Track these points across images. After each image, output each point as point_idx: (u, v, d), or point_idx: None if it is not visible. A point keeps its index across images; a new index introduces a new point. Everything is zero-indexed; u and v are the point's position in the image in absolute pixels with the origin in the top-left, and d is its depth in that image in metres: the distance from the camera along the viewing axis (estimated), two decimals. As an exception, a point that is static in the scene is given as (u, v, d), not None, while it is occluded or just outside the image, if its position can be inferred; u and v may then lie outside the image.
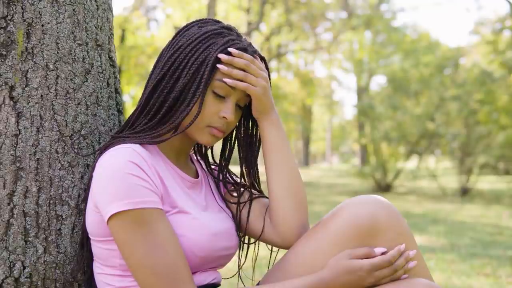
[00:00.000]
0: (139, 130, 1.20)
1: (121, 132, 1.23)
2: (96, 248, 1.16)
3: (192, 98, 1.17)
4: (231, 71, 1.19)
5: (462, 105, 10.14)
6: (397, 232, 1.17)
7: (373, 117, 11.70)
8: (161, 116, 1.19)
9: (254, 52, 1.25)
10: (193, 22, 1.26)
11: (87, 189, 1.20)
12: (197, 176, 1.33)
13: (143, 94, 1.23)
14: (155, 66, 1.24)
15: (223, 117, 1.20)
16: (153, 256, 1.06)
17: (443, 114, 10.71)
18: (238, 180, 1.38)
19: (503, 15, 13.52)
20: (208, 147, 1.40)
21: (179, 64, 1.19)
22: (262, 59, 1.29)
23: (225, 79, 1.18)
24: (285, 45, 20.33)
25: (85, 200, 1.21)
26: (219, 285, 1.26)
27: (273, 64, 21.81)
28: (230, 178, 1.38)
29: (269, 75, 1.29)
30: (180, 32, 1.24)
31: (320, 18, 20.22)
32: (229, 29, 1.25)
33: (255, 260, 1.38)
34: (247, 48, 1.23)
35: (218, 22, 1.26)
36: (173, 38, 1.24)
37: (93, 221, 1.13)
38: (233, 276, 1.45)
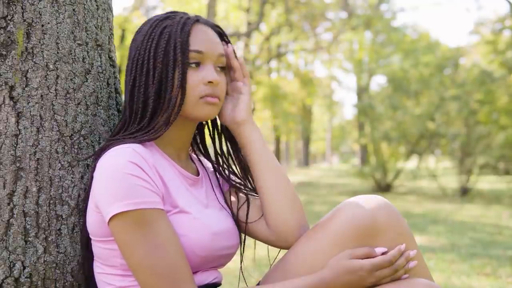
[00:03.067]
0: (134, 131, 1.20)
1: (115, 136, 1.22)
2: (97, 248, 1.16)
3: (173, 83, 1.18)
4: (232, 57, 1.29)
5: (462, 105, 10.13)
6: (397, 232, 1.17)
7: (373, 117, 11.70)
8: (151, 113, 1.19)
9: (215, 25, 1.28)
10: (141, 25, 1.27)
11: (87, 189, 1.20)
12: (198, 174, 1.33)
13: (124, 106, 1.24)
14: (125, 80, 1.25)
15: (209, 82, 1.20)
16: (154, 256, 1.06)
17: (443, 114, 10.70)
18: (238, 180, 1.38)
19: (503, 15, 13.51)
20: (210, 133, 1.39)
21: (143, 60, 1.20)
22: (219, 29, 1.30)
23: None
24: (285, 45, 20.34)
25: (85, 200, 1.21)
26: (219, 284, 1.26)
27: (273, 64, 21.81)
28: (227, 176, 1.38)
29: (226, 41, 1.31)
30: (133, 38, 1.26)
31: (320, 18, 20.23)
32: (174, 12, 1.27)
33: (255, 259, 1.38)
34: (207, 21, 1.26)
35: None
36: (130, 47, 1.26)
37: (93, 221, 1.13)
38: (241, 272, 1.45)
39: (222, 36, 1.30)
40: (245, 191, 1.34)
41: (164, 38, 1.19)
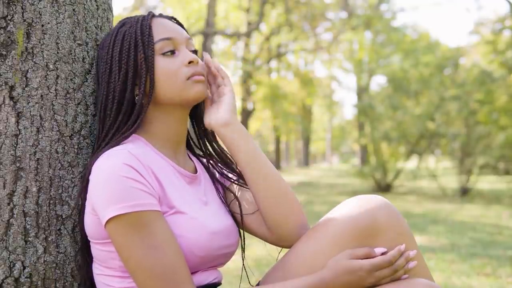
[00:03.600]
0: (113, 133, 1.19)
1: (99, 145, 1.22)
2: (95, 250, 1.16)
3: (141, 79, 1.19)
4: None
5: (462, 105, 10.13)
6: (397, 232, 1.17)
7: (373, 117, 11.69)
8: (127, 116, 1.20)
9: (170, 17, 1.29)
10: (101, 41, 1.29)
11: (84, 192, 1.17)
12: (195, 171, 1.33)
13: (98, 112, 1.23)
14: (96, 96, 1.26)
15: (190, 62, 1.21)
16: (152, 258, 1.06)
17: (443, 114, 10.69)
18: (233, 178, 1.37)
19: (503, 15, 13.51)
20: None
21: (110, 71, 1.21)
22: (176, 20, 1.31)
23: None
24: (285, 45, 20.34)
25: (82, 202, 1.19)
26: (220, 284, 1.26)
27: (273, 64, 21.81)
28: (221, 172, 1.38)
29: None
30: (98, 53, 1.27)
31: (320, 18, 20.24)
32: (128, 17, 1.28)
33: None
34: (161, 14, 1.28)
35: None
36: (96, 61, 1.27)
37: (91, 224, 1.13)
38: (243, 269, 1.45)
39: (180, 25, 1.32)
40: (240, 185, 1.34)
41: (126, 42, 1.21)
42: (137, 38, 1.20)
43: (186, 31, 1.31)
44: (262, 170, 1.26)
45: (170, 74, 1.20)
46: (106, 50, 1.23)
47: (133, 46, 1.20)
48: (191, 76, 1.21)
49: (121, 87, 1.20)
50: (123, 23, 1.26)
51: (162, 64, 1.20)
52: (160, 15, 1.28)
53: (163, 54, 1.21)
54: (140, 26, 1.21)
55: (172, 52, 1.22)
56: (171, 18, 1.30)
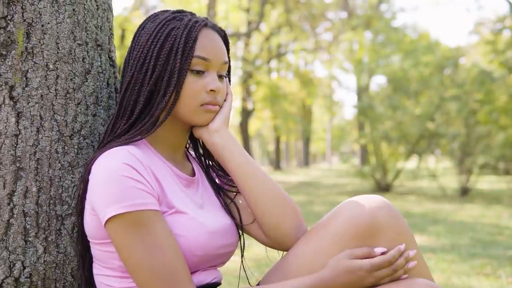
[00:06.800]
0: (120, 132, 1.19)
1: (104, 139, 1.22)
2: (95, 250, 1.16)
3: (168, 88, 1.17)
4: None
5: (462, 105, 10.12)
6: (397, 232, 1.17)
7: (373, 117, 11.69)
8: (138, 112, 1.19)
9: (221, 30, 1.27)
10: (144, 20, 1.26)
11: (83, 192, 1.17)
12: (193, 174, 1.33)
13: (117, 102, 1.23)
14: (123, 76, 1.24)
15: (211, 90, 1.20)
16: (151, 258, 1.06)
17: (443, 114, 10.70)
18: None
19: (503, 15, 13.52)
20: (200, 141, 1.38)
21: (144, 59, 1.19)
22: (225, 35, 1.29)
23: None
24: (285, 45, 20.37)
25: (81, 203, 1.18)
26: (219, 284, 1.26)
27: (273, 64, 21.82)
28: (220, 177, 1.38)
29: (228, 50, 1.30)
30: (136, 34, 1.24)
31: (320, 18, 20.27)
32: (181, 12, 1.26)
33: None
34: (214, 25, 1.25)
35: (168, 10, 1.26)
36: (132, 43, 1.24)
37: (91, 224, 1.13)
38: (242, 267, 1.44)
39: (226, 41, 1.30)
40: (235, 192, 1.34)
41: (169, 41, 1.18)
42: (179, 45, 1.17)
43: (228, 50, 1.29)
44: (251, 174, 1.25)
45: (191, 94, 1.19)
46: (147, 38, 1.20)
47: (174, 51, 1.17)
48: (206, 104, 1.21)
49: (151, 88, 1.18)
50: (174, 16, 1.22)
51: (188, 80, 1.19)
52: (213, 27, 1.25)
53: (192, 70, 1.19)
54: (187, 34, 1.18)
55: (201, 72, 1.20)
56: (221, 31, 1.28)
